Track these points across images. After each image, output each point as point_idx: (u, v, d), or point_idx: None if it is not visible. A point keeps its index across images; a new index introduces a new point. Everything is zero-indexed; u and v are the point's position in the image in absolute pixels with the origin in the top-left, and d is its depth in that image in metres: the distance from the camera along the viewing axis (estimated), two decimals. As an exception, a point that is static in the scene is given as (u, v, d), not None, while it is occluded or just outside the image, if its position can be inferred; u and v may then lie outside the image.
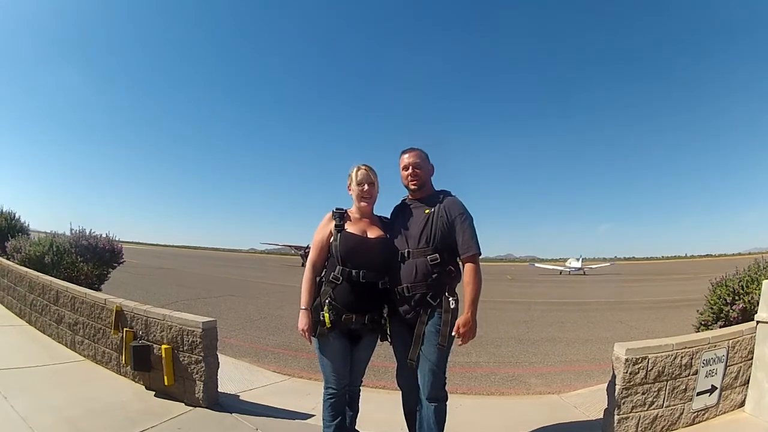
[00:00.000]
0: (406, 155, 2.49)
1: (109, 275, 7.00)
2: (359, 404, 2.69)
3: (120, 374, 3.75)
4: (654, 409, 2.87)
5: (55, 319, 4.64)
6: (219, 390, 3.32)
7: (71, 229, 6.62)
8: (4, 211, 8.00)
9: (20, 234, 7.25)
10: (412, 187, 2.49)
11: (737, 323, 3.61)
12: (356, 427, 2.71)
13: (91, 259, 6.21)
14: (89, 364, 4.04)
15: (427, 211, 2.41)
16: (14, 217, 8.07)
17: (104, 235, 6.83)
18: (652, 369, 2.82)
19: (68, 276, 5.53)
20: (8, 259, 6.48)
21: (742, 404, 3.14)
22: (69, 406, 3.03)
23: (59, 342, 4.55)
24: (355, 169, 2.47)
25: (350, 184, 2.48)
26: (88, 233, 6.61)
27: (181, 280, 17.51)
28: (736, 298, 3.72)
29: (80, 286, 4.77)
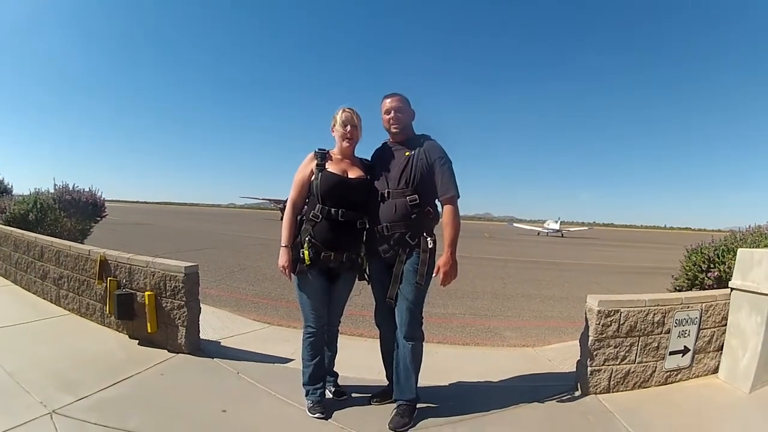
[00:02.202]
0: (388, 99, 2.51)
1: (91, 230, 6.98)
2: (337, 346, 2.75)
3: (104, 325, 3.78)
4: (626, 363, 2.95)
5: (39, 275, 4.63)
6: (201, 337, 3.37)
7: (55, 185, 6.61)
8: (-14, 174, 7.90)
9: (4, 195, 7.17)
10: (394, 130, 2.52)
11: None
12: (334, 369, 2.77)
13: (75, 214, 6.20)
14: (74, 318, 4.06)
15: (407, 154, 2.44)
16: (-3, 179, 7.96)
17: (87, 190, 6.83)
18: (624, 323, 2.89)
19: (52, 233, 5.51)
20: (-7, 220, 6.42)
21: (716, 370, 3.22)
22: (55, 359, 3.06)
23: (44, 298, 4.56)
24: (340, 111, 2.49)
25: (334, 125, 2.50)
26: (71, 188, 6.60)
27: (161, 235, 17.63)
28: (712, 266, 3.80)
29: (64, 240, 4.76)
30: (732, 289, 3.21)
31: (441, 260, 2.38)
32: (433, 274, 2.42)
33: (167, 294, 3.23)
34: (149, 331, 3.26)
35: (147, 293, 3.26)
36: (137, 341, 3.45)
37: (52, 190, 6.55)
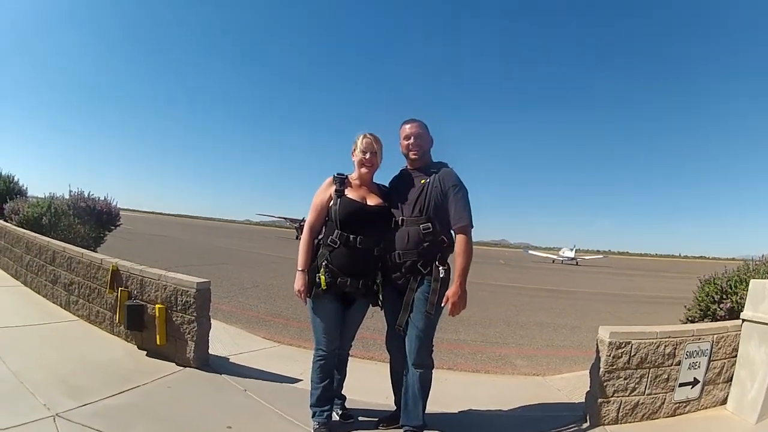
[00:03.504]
0: (408, 125, 2.53)
1: (105, 238, 7.05)
2: (347, 370, 2.75)
3: (113, 334, 3.80)
4: (636, 395, 2.92)
5: (50, 279, 4.67)
6: (209, 352, 3.38)
7: (70, 191, 6.67)
8: (2, 174, 8.02)
9: (18, 196, 7.27)
10: (413, 156, 2.53)
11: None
12: (342, 392, 2.77)
13: (89, 221, 6.26)
14: (83, 324, 4.09)
15: (423, 181, 2.46)
16: (13, 179, 8.07)
17: (102, 198, 6.90)
18: (635, 354, 2.87)
19: (65, 238, 5.57)
20: (6, 221, 6.51)
21: (724, 401, 3.17)
22: (62, 363, 3.07)
23: (54, 302, 4.59)
24: (361, 137, 2.51)
25: (354, 150, 2.52)
26: (86, 195, 6.66)
27: (175, 248, 17.73)
28: (724, 296, 3.76)
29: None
30: (743, 320, 3.17)
31: (450, 290, 2.37)
32: (442, 304, 2.41)
33: (178, 308, 3.25)
34: (158, 343, 3.28)
35: (158, 306, 3.28)
36: (145, 352, 3.47)
37: (67, 196, 6.62)
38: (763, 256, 4.35)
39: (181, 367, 3.22)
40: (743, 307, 3.24)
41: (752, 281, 3.26)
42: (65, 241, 5.03)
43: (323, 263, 2.39)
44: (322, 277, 2.36)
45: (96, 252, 5.15)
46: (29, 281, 5.18)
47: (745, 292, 3.39)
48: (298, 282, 2.42)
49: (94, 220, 6.44)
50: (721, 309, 3.75)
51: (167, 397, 2.79)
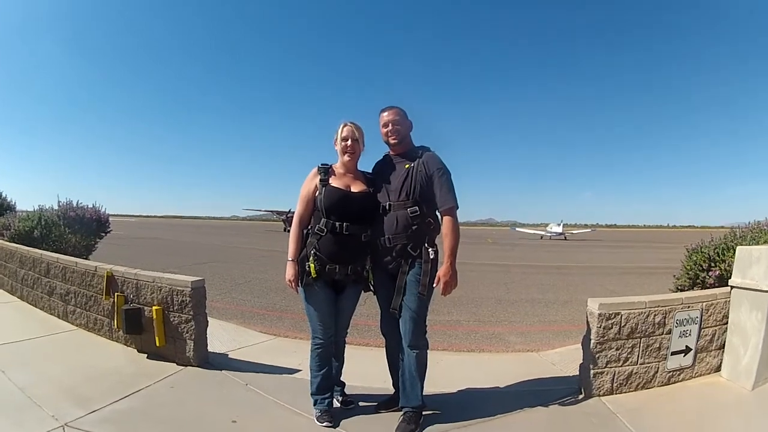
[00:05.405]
0: (385, 113, 2.57)
1: (96, 246, 7.04)
2: (344, 356, 2.80)
3: (113, 340, 3.83)
4: (628, 365, 2.99)
5: (46, 291, 4.68)
6: (209, 350, 3.42)
7: (59, 202, 6.68)
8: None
9: (8, 212, 7.22)
10: (392, 142, 2.57)
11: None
12: (341, 379, 2.82)
13: (79, 230, 6.26)
14: (82, 333, 4.10)
15: (407, 166, 2.50)
16: (0, 195, 8.03)
17: (91, 206, 6.90)
18: (625, 325, 2.93)
19: (57, 249, 5.56)
20: (-2, 238, 6.48)
21: (718, 369, 3.24)
22: (66, 374, 3.10)
23: (51, 314, 4.60)
24: (342, 126, 2.55)
25: (336, 139, 2.56)
26: (75, 204, 6.68)
27: (165, 249, 17.69)
28: (713, 264, 3.84)
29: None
30: (732, 287, 3.23)
31: (441, 270, 2.43)
32: (434, 285, 2.46)
33: (175, 308, 3.28)
34: (157, 345, 3.31)
35: (155, 308, 3.30)
36: (146, 355, 3.49)
37: (56, 207, 6.62)
38: (749, 222, 4.43)
39: (182, 367, 3.26)
40: (732, 274, 3.30)
41: (739, 248, 3.30)
42: (58, 252, 5.03)
43: (312, 251, 2.43)
44: (312, 265, 2.41)
45: (89, 260, 5.15)
46: (25, 295, 5.18)
47: (732, 260, 3.44)
48: (289, 272, 2.46)
49: (84, 229, 6.44)
50: (710, 277, 3.82)
51: (171, 397, 2.84)
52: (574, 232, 49.34)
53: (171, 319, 3.30)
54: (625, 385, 2.98)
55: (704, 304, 3.18)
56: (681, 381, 3.16)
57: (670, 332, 3.07)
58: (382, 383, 2.82)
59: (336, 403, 2.70)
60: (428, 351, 2.58)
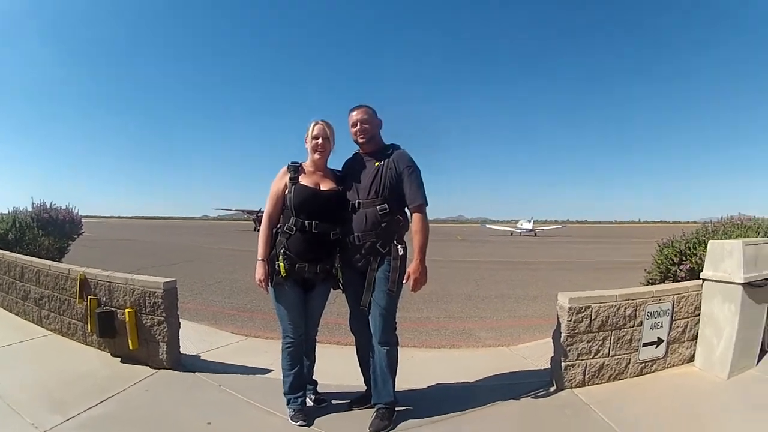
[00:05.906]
0: (354, 112, 2.57)
1: (68, 248, 6.93)
2: (315, 355, 2.80)
3: (86, 344, 3.76)
4: (600, 357, 3.04)
5: (21, 295, 4.58)
6: (181, 351, 3.38)
7: (32, 203, 6.58)
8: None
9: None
10: (361, 140, 2.58)
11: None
12: (313, 377, 2.82)
13: (53, 232, 6.17)
14: (56, 338, 4.03)
15: (377, 164, 2.51)
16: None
17: (64, 207, 6.81)
18: (595, 318, 2.97)
19: (31, 252, 5.47)
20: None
21: (691, 359, 3.32)
22: (42, 380, 3.07)
23: (27, 319, 4.51)
24: (313, 124, 2.55)
25: (307, 137, 2.55)
26: (48, 206, 6.59)
27: (136, 250, 17.54)
28: (684, 258, 3.91)
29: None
30: (704, 280, 3.30)
31: (411, 267, 2.44)
32: (404, 281, 2.47)
33: (147, 310, 3.24)
34: (131, 348, 3.26)
35: (127, 310, 3.26)
36: (119, 359, 3.44)
37: (30, 209, 6.51)
38: (722, 217, 4.52)
39: (156, 370, 3.22)
40: (703, 267, 3.37)
41: (711, 242, 3.38)
42: (31, 255, 4.93)
43: (281, 250, 2.43)
44: (282, 265, 2.40)
45: (62, 263, 5.06)
46: (0, 301, 5.07)
47: (704, 254, 3.52)
48: (259, 271, 2.45)
49: (57, 230, 6.34)
50: (681, 270, 3.90)
51: (146, 400, 2.81)
52: (544, 228, 49.80)
53: (144, 322, 3.26)
54: (597, 377, 3.03)
55: (676, 296, 3.24)
56: (654, 372, 3.22)
57: (641, 324, 3.13)
58: (354, 381, 2.82)
59: (309, 402, 2.70)
60: (399, 347, 2.59)
